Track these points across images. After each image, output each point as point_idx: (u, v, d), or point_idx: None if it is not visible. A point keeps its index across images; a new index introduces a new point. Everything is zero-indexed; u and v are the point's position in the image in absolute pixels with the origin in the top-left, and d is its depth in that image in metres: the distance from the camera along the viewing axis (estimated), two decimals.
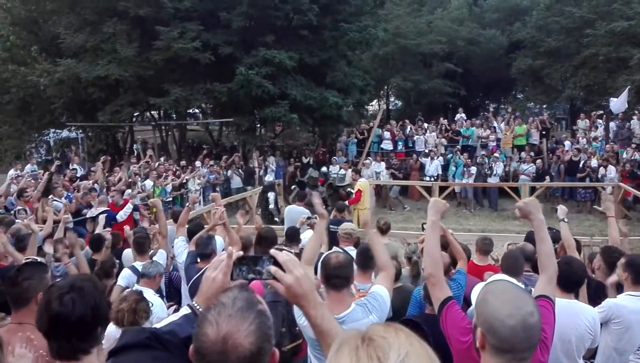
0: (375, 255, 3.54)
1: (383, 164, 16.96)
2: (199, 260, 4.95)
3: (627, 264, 3.78)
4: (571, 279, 3.38)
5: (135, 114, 20.79)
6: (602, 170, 14.88)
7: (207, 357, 1.33)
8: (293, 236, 5.86)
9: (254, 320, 1.36)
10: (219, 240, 5.39)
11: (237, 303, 1.39)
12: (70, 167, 15.20)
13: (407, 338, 1.11)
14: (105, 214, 9.34)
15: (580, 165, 15.39)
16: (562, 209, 4.70)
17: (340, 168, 15.94)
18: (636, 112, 20.43)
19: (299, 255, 4.24)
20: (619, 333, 3.66)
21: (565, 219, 4.62)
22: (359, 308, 3.05)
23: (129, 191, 11.81)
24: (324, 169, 16.63)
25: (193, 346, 1.37)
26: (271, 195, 13.87)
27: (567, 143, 17.80)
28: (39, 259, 4.38)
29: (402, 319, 2.65)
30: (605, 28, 19.09)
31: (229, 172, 16.24)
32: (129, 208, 10.23)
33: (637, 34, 17.73)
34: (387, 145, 18.62)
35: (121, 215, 9.88)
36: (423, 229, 4.96)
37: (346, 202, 10.76)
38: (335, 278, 2.98)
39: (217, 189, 15.67)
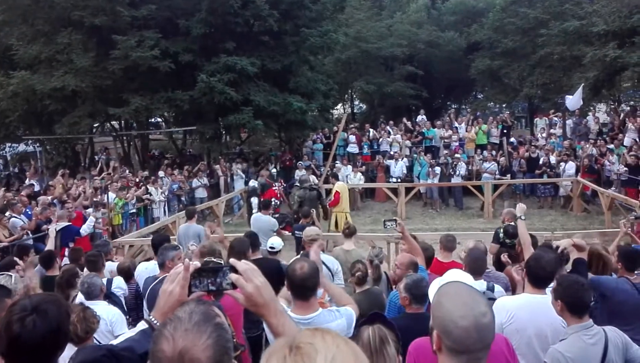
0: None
1: (350, 167, 17.08)
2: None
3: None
4: (540, 275, 3.42)
5: (95, 125, 20.32)
6: (562, 165, 15.29)
7: None
8: (253, 243, 5.81)
9: (212, 334, 1.32)
10: None
11: (193, 317, 1.35)
12: (27, 182, 14.72)
13: (333, 341, 1.12)
14: (67, 229, 9.09)
15: (540, 161, 15.79)
16: (520, 207, 4.87)
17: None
18: (591, 108, 21.15)
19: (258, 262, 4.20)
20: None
21: (523, 217, 4.78)
22: (326, 312, 3.06)
23: (90, 210, 11.48)
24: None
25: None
26: (254, 200, 13.69)
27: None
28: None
29: (371, 313, 2.64)
30: (559, 28, 19.71)
31: (194, 181, 16.02)
32: (91, 221, 10.01)
33: (589, 32, 18.33)
34: (353, 148, 18.75)
35: (85, 229, 9.66)
36: (384, 226, 5.01)
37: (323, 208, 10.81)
38: (302, 289, 2.97)
39: (182, 199, 15.48)
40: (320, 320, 2.94)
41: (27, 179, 15.46)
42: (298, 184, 12.64)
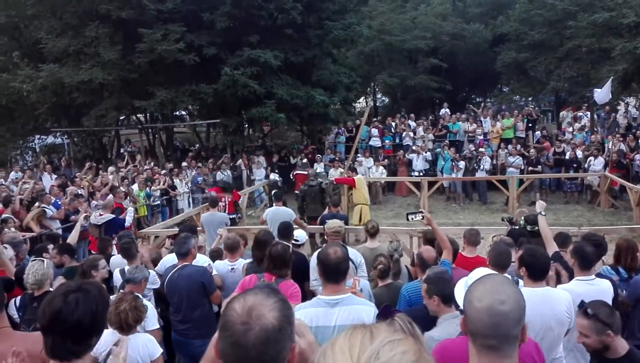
0: None
1: (372, 160, 17.05)
2: None
3: (574, 251, 3.96)
4: (538, 268, 3.50)
5: (121, 117, 20.62)
6: (590, 160, 14.98)
7: (230, 329, 1.36)
8: (286, 232, 5.84)
9: (279, 301, 1.43)
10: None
11: (263, 289, 1.50)
12: (43, 176, 14.87)
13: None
14: (112, 222, 9.50)
15: (567, 156, 15.51)
16: (540, 204, 4.97)
17: (325, 166, 16.01)
18: (621, 102, 20.66)
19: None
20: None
21: (543, 213, 4.88)
22: (355, 296, 3.22)
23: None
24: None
25: (219, 323, 1.42)
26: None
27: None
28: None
29: (383, 307, 2.65)
30: (587, 20, 19.22)
31: (218, 174, 16.17)
32: (130, 211, 10.32)
33: (619, 24, 17.83)
34: (375, 142, 18.67)
35: (128, 220, 10.00)
36: (408, 219, 5.00)
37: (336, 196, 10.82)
38: (336, 273, 3.11)
39: (206, 191, 15.64)
40: (348, 301, 3.08)
41: (41, 175, 15.53)
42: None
